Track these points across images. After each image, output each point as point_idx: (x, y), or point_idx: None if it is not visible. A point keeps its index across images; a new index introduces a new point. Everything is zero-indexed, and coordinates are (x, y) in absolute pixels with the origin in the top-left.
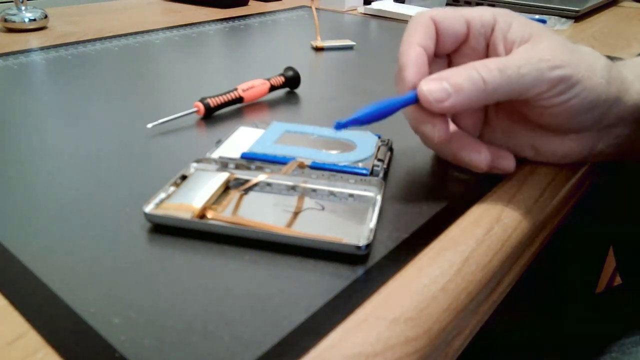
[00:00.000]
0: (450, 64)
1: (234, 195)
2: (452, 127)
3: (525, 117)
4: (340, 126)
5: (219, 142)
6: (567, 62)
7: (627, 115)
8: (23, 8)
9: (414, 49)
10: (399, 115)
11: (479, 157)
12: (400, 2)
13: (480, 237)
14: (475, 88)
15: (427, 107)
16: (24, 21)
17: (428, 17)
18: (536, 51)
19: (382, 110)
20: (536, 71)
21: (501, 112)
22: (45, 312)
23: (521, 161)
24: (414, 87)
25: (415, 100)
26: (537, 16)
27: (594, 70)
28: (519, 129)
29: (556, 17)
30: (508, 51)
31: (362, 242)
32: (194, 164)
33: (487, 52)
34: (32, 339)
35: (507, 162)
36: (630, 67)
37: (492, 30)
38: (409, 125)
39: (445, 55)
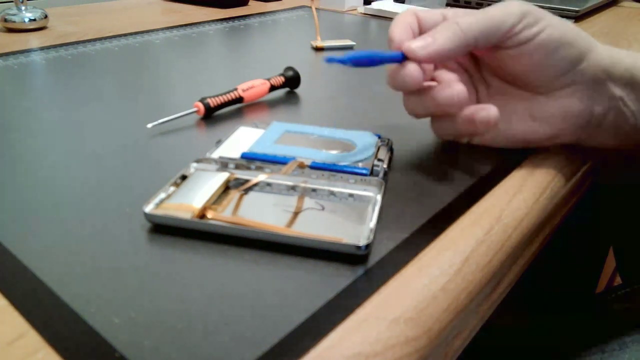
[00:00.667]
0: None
1: (234, 195)
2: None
3: (513, 83)
4: (330, 60)
5: (219, 142)
6: (531, 8)
7: (607, 68)
8: (23, 8)
9: (402, 23)
10: (400, 115)
11: (451, 91)
12: (400, 2)
13: (480, 237)
14: (453, 33)
15: (412, 57)
16: (24, 21)
17: (411, 10)
18: (505, 3)
19: (370, 58)
20: (502, 9)
21: (493, 94)
22: (45, 312)
23: (521, 160)
24: (400, 43)
25: (401, 59)
26: None
27: (556, 19)
28: (513, 102)
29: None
30: None
31: (362, 242)
32: (194, 164)
33: None
34: (32, 339)
35: (489, 111)
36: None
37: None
38: (409, 126)
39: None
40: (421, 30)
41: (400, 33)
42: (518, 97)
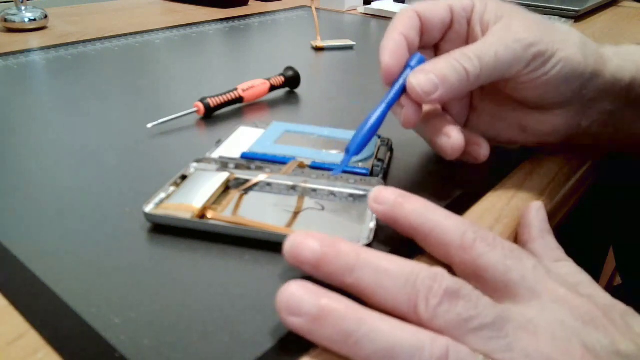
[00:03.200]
0: (437, 52)
1: (234, 195)
2: (433, 110)
3: (510, 97)
4: (339, 171)
5: (219, 142)
6: (540, 38)
7: (607, 89)
8: (23, 8)
9: (393, 37)
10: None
11: (448, 141)
12: (401, 2)
13: None
14: (459, 78)
15: (417, 100)
16: (24, 21)
17: (411, 10)
18: (510, 31)
19: (372, 131)
20: (512, 52)
21: (486, 95)
22: (45, 312)
23: (521, 160)
24: (389, 71)
25: (399, 96)
26: None
27: (568, 43)
28: (505, 110)
29: (556, 17)
30: (484, 31)
31: (362, 242)
32: (194, 164)
33: (468, 35)
34: (32, 339)
35: (480, 150)
36: (608, 47)
37: (472, 12)
38: None
39: (432, 46)
40: (425, 29)
41: (391, 56)
42: (511, 107)
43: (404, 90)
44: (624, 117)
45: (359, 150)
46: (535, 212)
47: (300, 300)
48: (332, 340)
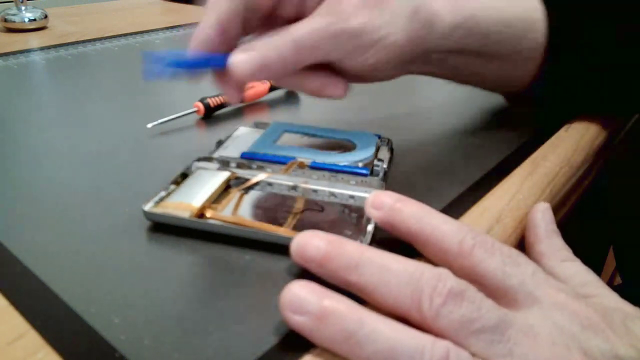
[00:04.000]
0: (269, 19)
1: (235, 194)
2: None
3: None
4: (150, 76)
5: (219, 142)
6: (366, 22)
7: (431, 49)
8: (23, 8)
9: (205, 30)
10: (400, 115)
11: (339, 91)
12: None
13: None
14: (277, 65)
15: (238, 80)
16: (24, 21)
17: None
18: (338, 12)
19: (192, 64)
20: (334, 43)
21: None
22: (45, 312)
23: (521, 160)
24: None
25: (223, 66)
26: None
27: (396, 26)
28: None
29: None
30: (320, 1)
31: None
32: (196, 163)
33: (301, 3)
34: (32, 339)
35: (336, 90)
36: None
37: None
38: (409, 126)
39: (260, 15)
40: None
41: (205, 27)
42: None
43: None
44: (453, 62)
45: (175, 64)
46: (542, 213)
47: (304, 300)
48: (334, 340)
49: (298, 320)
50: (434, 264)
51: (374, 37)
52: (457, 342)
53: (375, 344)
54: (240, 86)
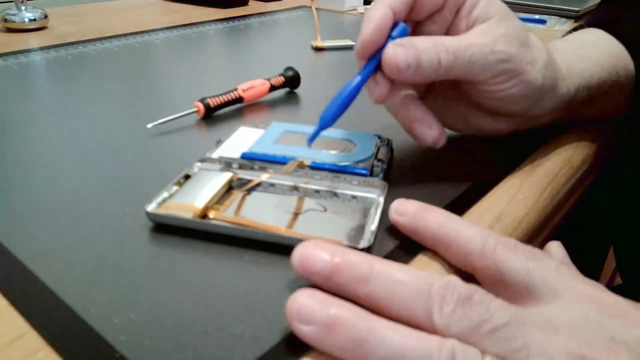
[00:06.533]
0: (415, 29)
1: (237, 195)
2: (409, 96)
3: (467, 95)
4: (312, 140)
5: (219, 142)
6: (514, 54)
7: (554, 107)
8: (23, 8)
9: (381, 9)
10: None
11: (429, 133)
12: None
13: None
14: (431, 66)
15: (388, 73)
16: (24, 21)
17: None
18: (491, 38)
19: (345, 103)
20: (485, 62)
21: (448, 83)
22: (45, 312)
23: (521, 160)
24: (368, 45)
25: (375, 70)
26: (537, 16)
27: (535, 66)
28: (458, 102)
29: (556, 17)
30: (469, 27)
31: (363, 244)
32: (198, 164)
33: (452, 23)
34: (32, 339)
35: (428, 131)
36: (563, 57)
37: (464, 2)
38: None
39: (413, 21)
40: (415, 7)
41: (374, 31)
42: (464, 102)
43: (379, 65)
44: (560, 120)
45: (331, 122)
46: (555, 248)
47: (311, 309)
48: (343, 348)
49: (305, 331)
50: (452, 266)
51: (519, 68)
52: (472, 345)
53: (384, 351)
54: (388, 83)
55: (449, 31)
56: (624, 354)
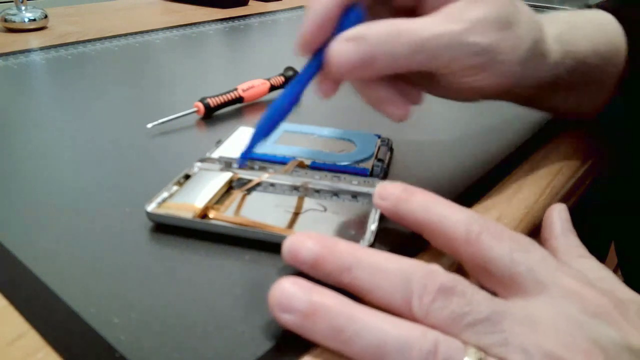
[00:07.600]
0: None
1: (237, 195)
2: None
3: (431, 76)
4: (245, 157)
5: (219, 142)
6: (488, 46)
7: (534, 84)
8: (23, 8)
9: None
10: None
11: (398, 111)
12: None
13: None
14: (387, 63)
15: (334, 74)
16: (24, 21)
17: None
18: (463, 25)
19: (280, 113)
20: (451, 55)
21: None
22: (45, 312)
23: (521, 160)
24: (311, 40)
25: (316, 71)
26: None
27: (516, 51)
28: (422, 81)
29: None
30: (441, 3)
31: (364, 244)
32: (198, 163)
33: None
34: (32, 339)
35: (397, 110)
36: (558, 33)
37: None
38: (409, 126)
39: None
40: None
41: (318, 24)
42: (429, 79)
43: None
44: (540, 96)
45: (268, 133)
46: (558, 212)
47: (292, 297)
48: (324, 335)
49: (286, 319)
50: (440, 255)
51: (494, 60)
52: (451, 336)
53: (366, 339)
54: (337, 80)
55: (416, 7)
56: (601, 358)
